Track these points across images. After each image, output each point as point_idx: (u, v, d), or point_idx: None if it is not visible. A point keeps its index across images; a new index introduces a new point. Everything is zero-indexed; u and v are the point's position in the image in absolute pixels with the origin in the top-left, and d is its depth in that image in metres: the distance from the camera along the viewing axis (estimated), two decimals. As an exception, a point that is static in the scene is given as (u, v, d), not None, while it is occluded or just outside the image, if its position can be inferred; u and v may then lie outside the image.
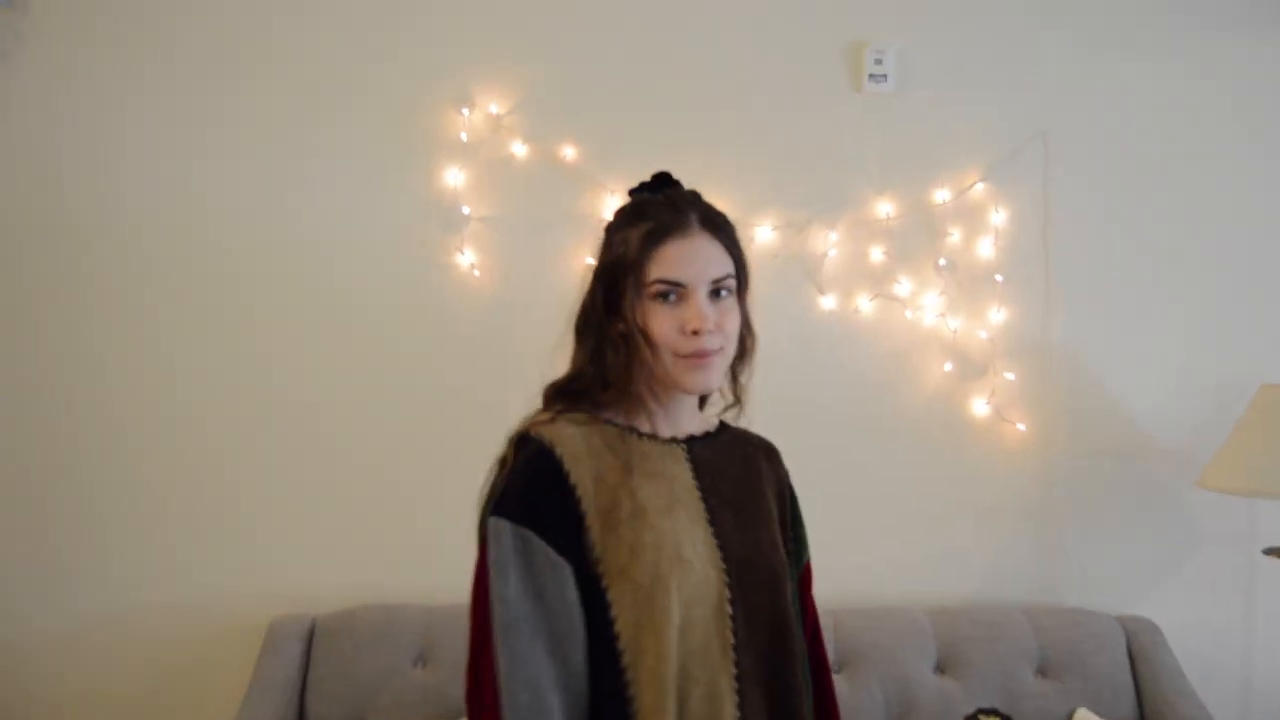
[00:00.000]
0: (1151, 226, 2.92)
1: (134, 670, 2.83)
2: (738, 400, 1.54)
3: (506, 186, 2.85)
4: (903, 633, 2.67)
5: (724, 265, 1.41)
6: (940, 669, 2.65)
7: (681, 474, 1.42)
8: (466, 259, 2.82)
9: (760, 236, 2.86)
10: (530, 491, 1.33)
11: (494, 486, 1.37)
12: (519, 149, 2.83)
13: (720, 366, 1.42)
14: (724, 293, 1.41)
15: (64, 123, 2.78)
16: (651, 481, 1.38)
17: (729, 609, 1.35)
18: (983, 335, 2.89)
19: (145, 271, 2.81)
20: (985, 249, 2.89)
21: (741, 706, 1.34)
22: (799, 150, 2.89)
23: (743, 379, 1.52)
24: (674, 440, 1.45)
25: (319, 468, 2.83)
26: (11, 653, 2.83)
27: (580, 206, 2.83)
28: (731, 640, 1.34)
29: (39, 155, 2.78)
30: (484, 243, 2.84)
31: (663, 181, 1.48)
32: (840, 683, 2.60)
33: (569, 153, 2.83)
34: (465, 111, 2.82)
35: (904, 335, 2.91)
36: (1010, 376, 2.89)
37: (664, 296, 1.38)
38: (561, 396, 1.45)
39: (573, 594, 1.31)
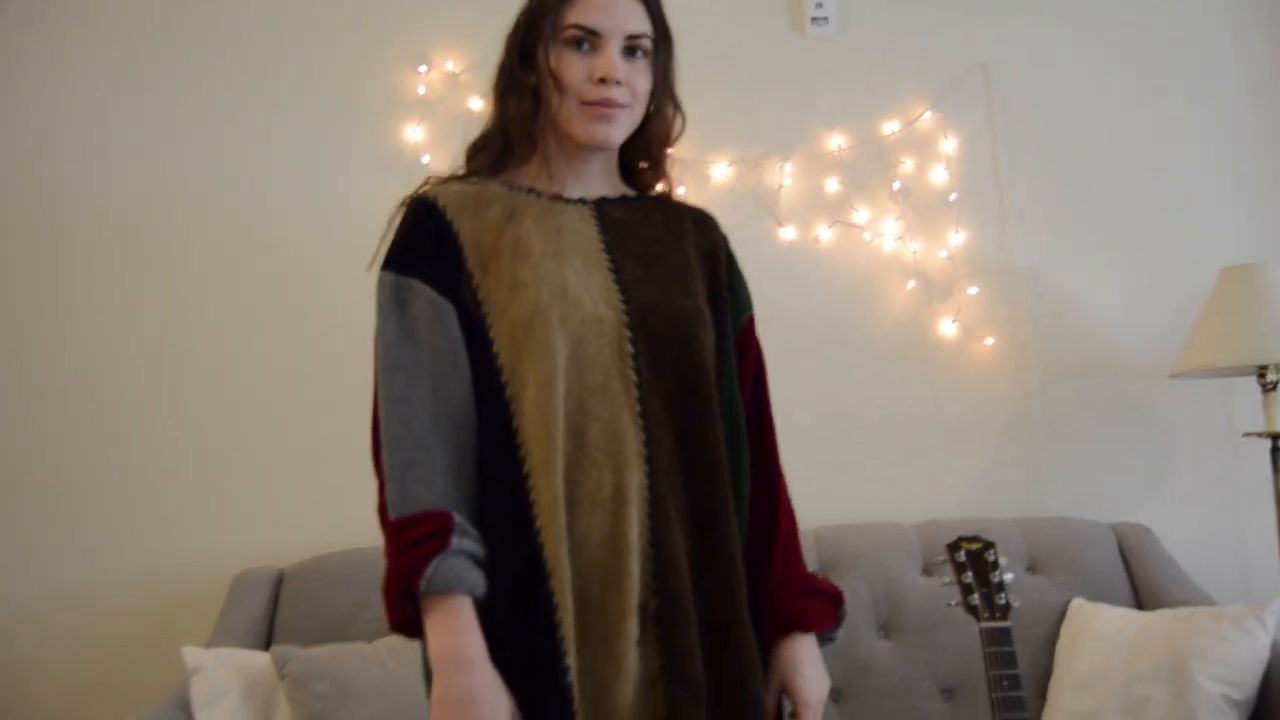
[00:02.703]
0: (1096, 145, 2.98)
1: (101, 642, 2.76)
2: (664, 175, 1.53)
3: (466, 142, 2.91)
4: (888, 540, 2.60)
5: (642, 24, 1.43)
6: (927, 571, 2.57)
7: (584, 229, 1.41)
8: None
9: (717, 174, 2.92)
10: (410, 240, 1.36)
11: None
12: (477, 104, 2.90)
13: (624, 123, 1.42)
14: (639, 53, 1.42)
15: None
16: (541, 229, 1.38)
17: (630, 348, 1.34)
18: (943, 255, 2.92)
19: (103, 241, 2.85)
20: (938, 175, 2.95)
21: (649, 445, 1.32)
22: (749, 90, 2.96)
23: (671, 156, 1.53)
24: (582, 201, 1.44)
25: (280, 428, 2.81)
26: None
27: (537, 150, 2.89)
28: (634, 379, 1.33)
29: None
30: (445, 191, 2.88)
31: None
32: (826, 587, 2.52)
33: (524, 101, 2.90)
34: (422, 69, 2.91)
35: (865, 261, 2.94)
36: (974, 291, 2.90)
37: (578, 44, 1.39)
38: (470, 164, 1.46)
39: (455, 332, 1.32)
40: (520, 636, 1.26)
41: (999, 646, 1.83)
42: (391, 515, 1.25)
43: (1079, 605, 2.49)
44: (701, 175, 2.92)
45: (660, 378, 1.35)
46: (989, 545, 1.94)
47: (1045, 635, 2.49)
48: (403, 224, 1.38)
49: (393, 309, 1.32)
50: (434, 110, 2.91)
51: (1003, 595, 1.88)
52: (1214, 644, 2.22)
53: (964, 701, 2.44)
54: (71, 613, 2.76)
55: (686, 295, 1.41)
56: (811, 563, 2.57)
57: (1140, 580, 2.59)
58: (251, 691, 2.22)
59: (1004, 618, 1.86)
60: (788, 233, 2.92)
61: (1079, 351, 2.92)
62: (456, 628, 1.21)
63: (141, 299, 2.83)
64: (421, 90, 2.91)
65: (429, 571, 1.19)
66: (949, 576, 1.92)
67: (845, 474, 2.84)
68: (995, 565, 1.91)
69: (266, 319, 2.83)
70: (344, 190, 2.87)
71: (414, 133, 2.89)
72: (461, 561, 1.22)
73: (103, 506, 2.79)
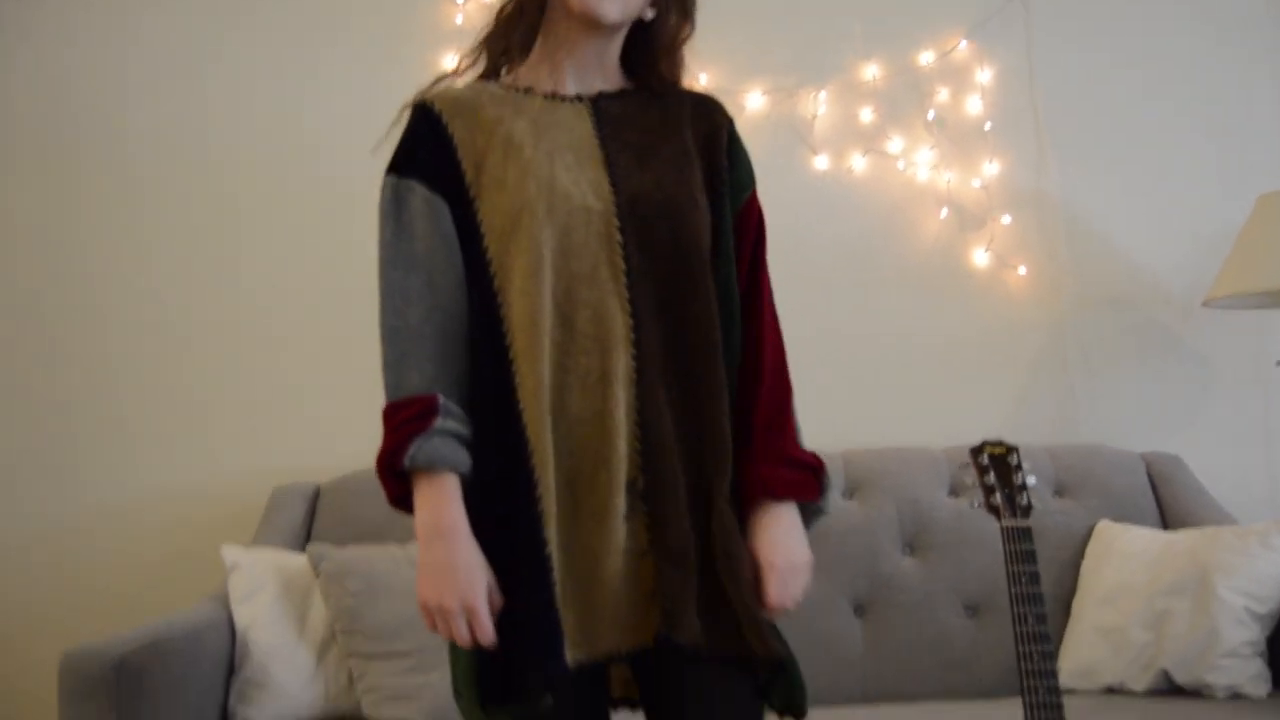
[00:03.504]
0: (1131, 74, 2.97)
1: (146, 554, 2.83)
2: (668, 74, 1.52)
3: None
4: (916, 463, 2.62)
5: None
6: (954, 492, 2.59)
7: (579, 125, 1.43)
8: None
9: (751, 103, 2.93)
10: (409, 143, 1.41)
11: None
12: (513, 32, 2.93)
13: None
14: None
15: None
16: (535, 127, 1.40)
17: (619, 236, 1.37)
18: (976, 184, 2.92)
19: (144, 166, 2.91)
20: (973, 105, 2.94)
21: (637, 330, 1.35)
22: (784, 19, 2.97)
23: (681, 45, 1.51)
24: (578, 98, 1.46)
25: (317, 350, 2.86)
26: (17, 548, 2.84)
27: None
28: (623, 266, 1.36)
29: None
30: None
31: None
32: (852, 506, 2.54)
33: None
34: (460, 0, 2.94)
35: (899, 191, 2.94)
36: (1007, 220, 2.90)
37: None
38: (487, 51, 1.49)
39: (448, 227, 1.37)
40: (504, 513, 1.31)
41: (1019, 544, 1.84)
42: (386, 401, 1.33)
43: (1105, 526, 2.49)
44: (735, 104, 2.92)
45: (651, 264, 1.38)
46: (1012, 449, 1.95)
47: (1070, 557, 2.50)
48: (405, 131, 1.43)
49: (391, 210, 1.38)
50: (471, 40, 2.93)
51: (1024, 496, 1.89)
52: (1238, 559, 2.22)
53: (988, 618, 2.45)
54: (118, 525, 2.85)
55: (679, 183, 1.42)
56: (838, 483, 2.59)
57: (1168, 506, 2.59)
58: (288, 588, 2.28)
59: (1025, 517, 1.87)
60: (821, 162, 2.93)
61: (1112, 281, 2.91)
62: (438, 501, 1.27)
63: (183, 223, 2.90)
64: (459, 20, 2.93)
65: (412, 450, 1.26)
66: (971, 478, 1.94)
67: (876, 400, 2.86)
68: (1018, 468, 1.92)
69: (304, 243, 2.88)
70: (381, 119, 2.90)
71: (452, 62, 2.91)
72: (443, 440, 1.27)
73: (148, 425, 2.87)
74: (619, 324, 1.35)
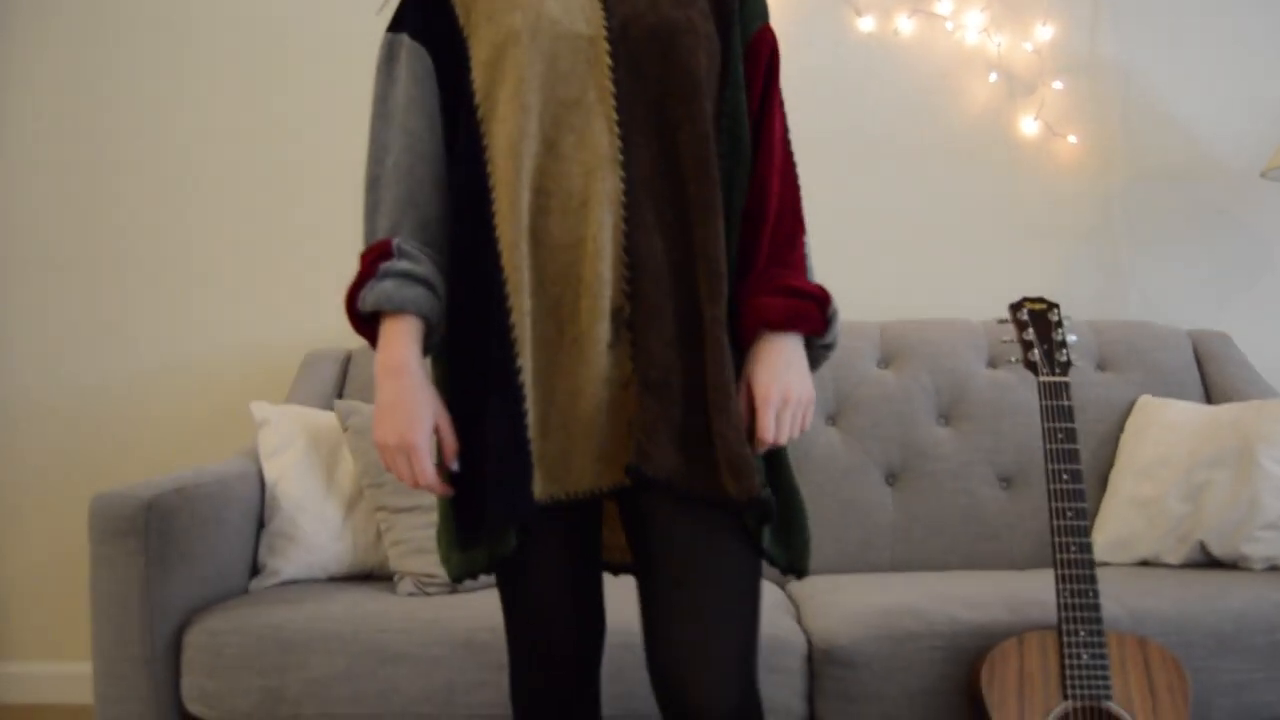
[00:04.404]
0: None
1: (175, 419, 2.88)
2: None
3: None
4: (954, 334, 2.55)
5: None
6: (993, 364, 2.53)
7: None
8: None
9: (793, -40, 2.81)
10: (404, 2, 1.41)
11: None
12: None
13: None
14: None
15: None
16: None
17: (608, 60, 1.33)
18: (1028, 48, 2.79)
19: (190, 33, 2.87)
20: (1028, -36, 2.80)
21: (625, 151, 1.31)
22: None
23: None
24: None
25: (351, 219, 2.82)
26: (63, 407, 2.89)
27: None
28: (611, 89, 1.32)
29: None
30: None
31: None
32: (887, 375, 2.50)
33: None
34: None
35: (946, 54, 2.82)
36: (1059, 86, 2.78)
37: None
38: None
39: (425, 71, 1.37)
40: (478, 340, 1.31)
41: (1056, 400, 1.80)
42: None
43: (1146, 400, 2.43)
44: (778, -37, 2.81)
45: (642, 88, 1.33)
46: (1053, 306, 1.90)
47: (1110, 431, 2.44)
48: None
49: (383, 66, 1.40)
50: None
51: (1064, 353, 1.84)
52: (1285, 430, 2.16)
53: (1022, 490, 2.41)
54: (157, 388, 2.89)
55: (677, 6, 1.36)
56: (874, 353, 2.54)
57: (1213, 383, 2.52)
58: (316, 444, 2.29)
59: (1063, 373, 1.82)
60: (866, 23, 2.81)
61: (1166, 152, 2.80)
62: (388, 340, 1.29)
63: (223, 90, 2.87)
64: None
65: (363, 293, 1.29)
66: (1010, 335, 1.88)
67: (917, 273, 2.80)
68: (1058, 325, 1.87)
69: (332, 109, 2.83)
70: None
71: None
72: (396, 281, 1.28)
73: (188, 294, 2.89)
74: (605, 145, 1.31)
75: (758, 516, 1.32)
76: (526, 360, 1.31)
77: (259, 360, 2.89)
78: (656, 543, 1.34)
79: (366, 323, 1.33)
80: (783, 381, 1.31)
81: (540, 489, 1.33)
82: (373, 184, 1.36)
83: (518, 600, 1.43)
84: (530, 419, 1.31)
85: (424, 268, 1.30)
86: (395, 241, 1.31)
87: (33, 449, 2.91)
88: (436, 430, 1.29)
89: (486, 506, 1.31)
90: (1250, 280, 2.79)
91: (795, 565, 1.38)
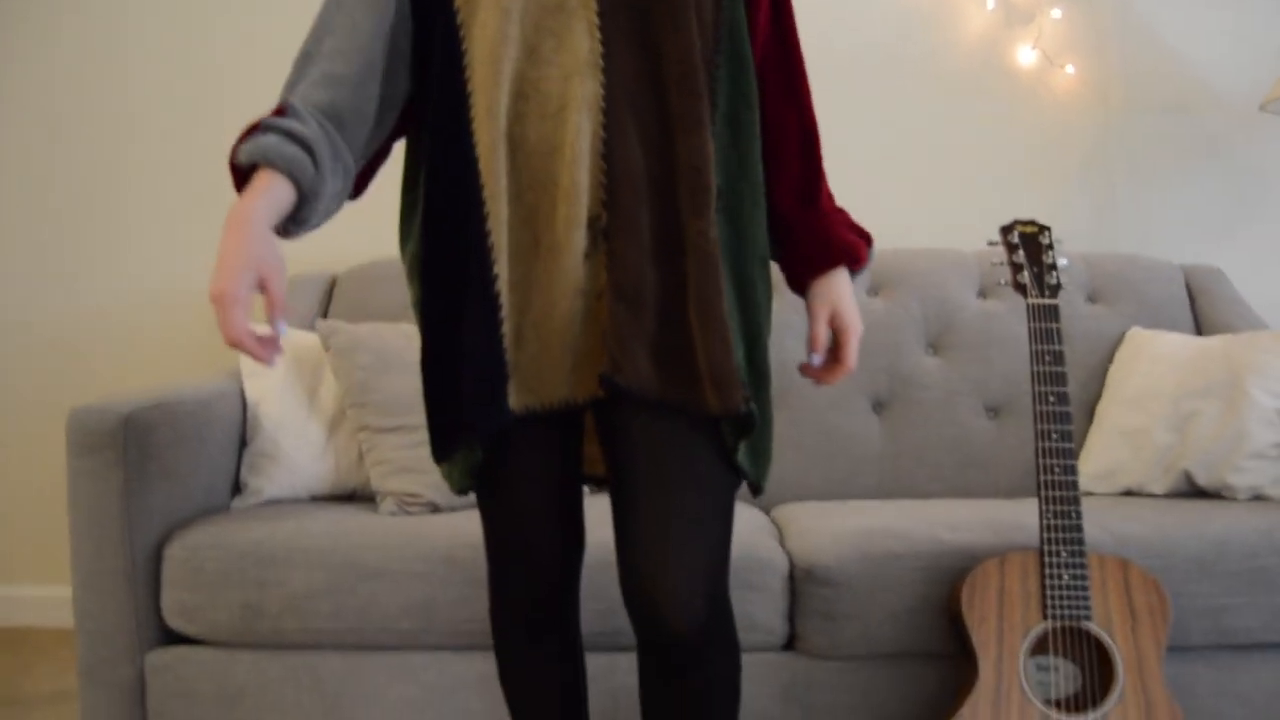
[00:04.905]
0: None
1: (158, 342, 2.86)
2: None
3: None
4: (945, 263, 2.53)
5: None
6: (983, 294, 2.51)
7: None
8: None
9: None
10: None
11: None
12: None
13: None
14: None
15: None
16: None
17: None
18: (1027, -26, 2.75)
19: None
20: (1029, -111, 2.75)
21: (606, 57, 1.28)
22: None
23: None
24: None
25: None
26: (43, 333, 2.87)
27: None
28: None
29: None
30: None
31: None
32: (876, 303, 2.48)
33: None
34: None
35: (943, -20, 2.77)
36: (1057, 14, 2.73)
37: None
38: None
39: None
40: (455, 246, 1.28)
41: (1045, 322, 1.78)
42: None
43: (1136, 332, 2.41)
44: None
45: None
46: (1044, 229, 1.88)
47: (1098, 362, 2.43)
48: None
49: None
50: None
51: (1054, 275, 1.82)
52: (1275, 360, 2.15)
53: (1009, 420, 2.40)
54: (140, 310, 2.87)
55: None
56: (863, 281, 2.52)
57: (1205, 316, 2.50)
58: (299, 365, 2.27)
59: (1053, 296, 1.80)
60: (861, -52, 2.76)
61: (1165, 84, 2.76)
62: (244, 194, 1.19)
63: (194, 19, 2.82)
64: None
65: (243, 145, 1.20)
66: (1001, 257, 1.86)
67: (907, 201, 2.77)
68: (1049, 248, 1.85)
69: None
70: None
71: None
72: (274, 137, 1.19)
73: (171, 218, 2.86)
74: (585, 49, 1.28)
75: (736, 430, 1.31)
76: (503, 269, 1.29)
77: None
78: (627, 453, 1.33)
79: (237, 172, 1.23)
80: (858, 314, 1.41)
81: (515, 399, 1.32)
82: (302, 59, 1.28)
83: (498, 510, 1.42)
84: (505, 329, 1.30)
85: (310, 130, 1.21)
86: (292, 102, 1.23)
87: (14, 374, 2.89)
88: (263, 286, 1.17)
89: (461, 417, 1.30)
90: (1246, 215, 2.77)
91: (760, 482, 1.38)
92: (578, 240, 1.29)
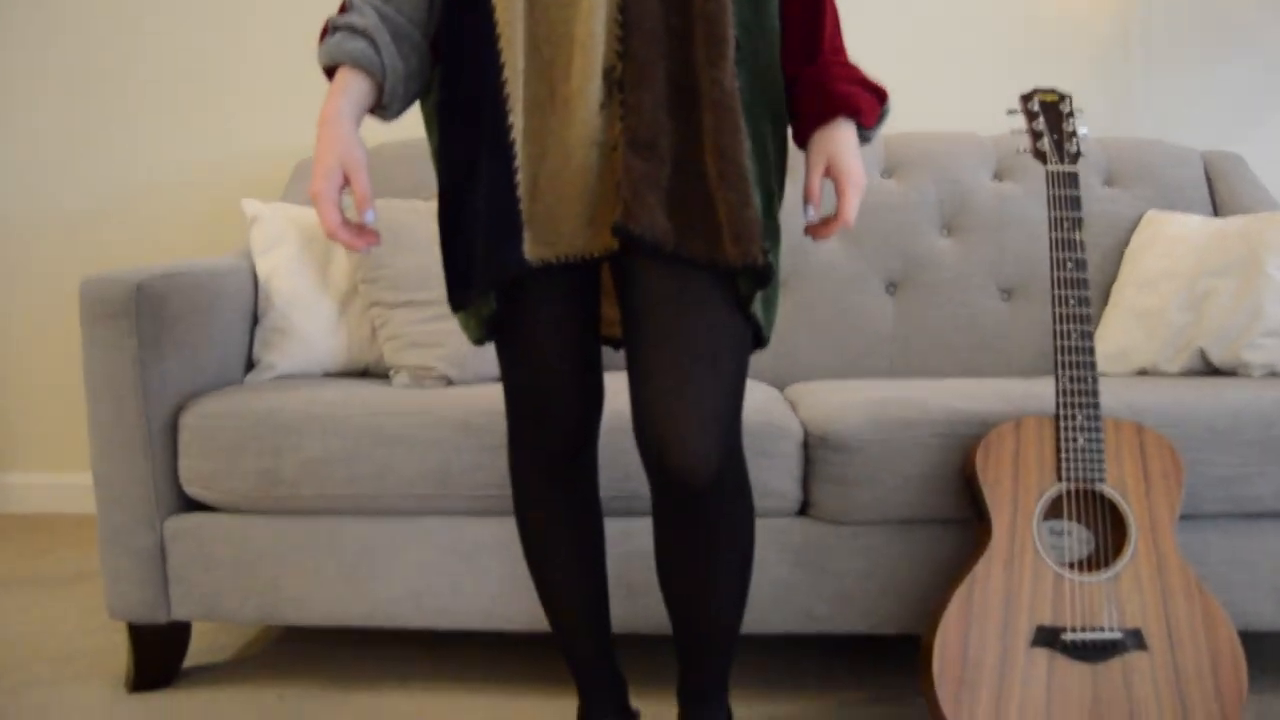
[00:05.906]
0: None
1: (181, 222, 2.86)
2: None
3: None
4: (960, 145, 2.50)
5: None
6: (999, 176, 2.48)
7: None
8: None
9: None
10: None
11: None
12: None
13: None
14: None
15: None
16: None
17: None
18: None
19: None
20: None
21: None
22: None
23: None
24: None
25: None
26: (57, 216, 2.85)
27: None
28: None
29: None
30: None
31: None
32: (890, 185, 2.45)
33: None
34: None
35: None
36: (1081, -109, 2.67)
37: None
38: None
39: None
40: (471, 97, 1.29)
41: (1064, 189, 1.76)
42: None
43: (1153, 214, 2.39)
44: None
45: None
46: (1065, 96, 1.84)
47: (1115, 244, 2.41)
48: None
49: None
50: None
51: (1074, 143, 1.79)
52: (1294, 238, 2.13)
53: (1022, 302, 2.39)
54: (151, 193, 2.87)
55: None
56: (878, 164, 2.49)
57: (1222, 200, 2.48)
58: (309, 241, 2.25)
59: (1073, 164, 1.78)
60: None
61: (1190, -36, 2.70)
62: (330, 94, 1.27)
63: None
64: None
65: (320, 48, 1.28)
66: (1020, 125, 1.83)
67: (923, 84, 2.74)
68: (1069, 115, 1.82)
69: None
70: None
71: None
72: (340, 35, 1.26)
73: (177, 103, 2.85)
74: None
75: (753, 282, 1.30)
76: (518, 120, 1.29)
77: (252, 168, 2.85)
78: (642, 302, 1.33)
79: (327, 73, 1.31)
80: (859, 167, 1.34)
81: (531, 251, 1.32)
82: None
83: (515, 360, 1.42)
84: (520, 179, 1.29)
85: (367, 19, 1.26)
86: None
87: (29, 257, 2.88)
88: (348, 180, 1.26)
89: (474, 264, 1.30)
90: (1269, 104, 2.72)
91: (767, 336, 1.38)
92: (593, 91, 1.28)
